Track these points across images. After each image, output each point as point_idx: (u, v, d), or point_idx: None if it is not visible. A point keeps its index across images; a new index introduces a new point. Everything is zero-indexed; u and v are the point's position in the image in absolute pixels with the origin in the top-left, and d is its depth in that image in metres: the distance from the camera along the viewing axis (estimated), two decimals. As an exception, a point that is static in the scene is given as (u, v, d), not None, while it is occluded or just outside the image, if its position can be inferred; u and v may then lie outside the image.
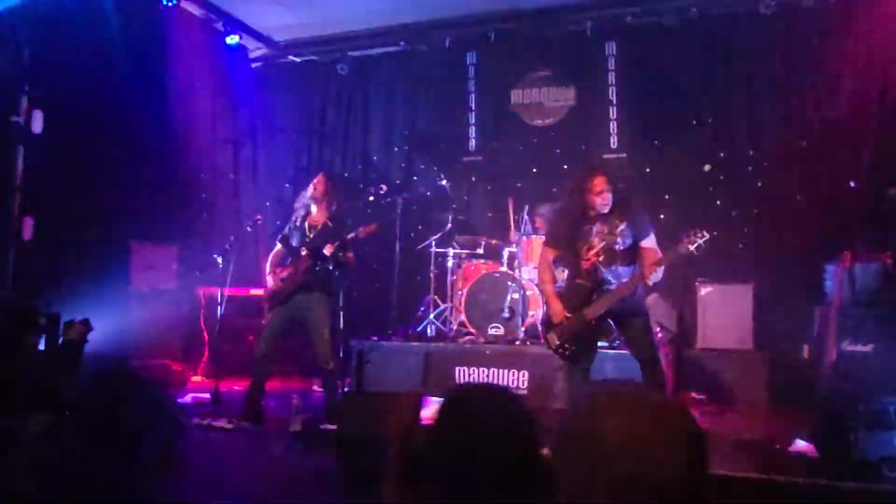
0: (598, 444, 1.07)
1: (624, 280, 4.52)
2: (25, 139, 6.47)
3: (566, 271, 5.01)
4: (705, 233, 4.34)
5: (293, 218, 5.95)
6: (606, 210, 4.55)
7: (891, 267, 5.71)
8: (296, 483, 4.14)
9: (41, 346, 5.34)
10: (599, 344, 4.92)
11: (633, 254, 4.57)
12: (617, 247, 4.53)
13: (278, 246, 5.93)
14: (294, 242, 5.82)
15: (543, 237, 5.15)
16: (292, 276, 5.68)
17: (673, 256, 4.48)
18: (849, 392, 4.53)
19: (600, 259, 4.52)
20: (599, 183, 4.52)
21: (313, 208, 5.83)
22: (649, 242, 4.56)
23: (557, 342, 4.61)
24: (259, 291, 8.31)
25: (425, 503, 1.63)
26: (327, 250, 5.55)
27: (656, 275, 4.45)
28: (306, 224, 5.84)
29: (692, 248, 4.34)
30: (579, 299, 4.58)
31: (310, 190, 5.84)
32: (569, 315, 4.55)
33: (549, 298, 4.75)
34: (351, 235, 5.65)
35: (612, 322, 4.65)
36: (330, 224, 5.82)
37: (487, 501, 1.50)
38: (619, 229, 4.52)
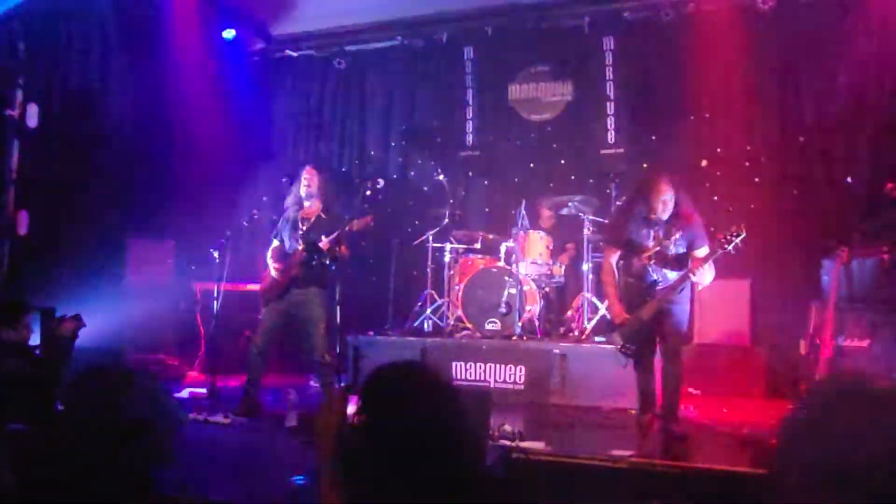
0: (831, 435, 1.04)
1: (672, 282, 4.72)
2: (20, 133, 6.45)
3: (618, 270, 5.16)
4: (742, 230, 4.49)
5: (285, 213, 5.94)
6: (666, 217, 4.71)
7: (888, 263, 5.72)
8: (291, 477, 4.13)
9: (37, 341, 5.35)
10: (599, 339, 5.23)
11: (684, 260, 4.76)
12: (669, 252, 4.73)
13: (275, 242, 5.92)
14: (287, 237, 5.81)
15: (604, 241, 5.30)
16: (287, 270, 5.67)
17: (711, 258, 4.60)
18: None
19: (652, 262, 4.74)
20: (664, 189, 4.67)
21: (306, 203, 5.81)
22: (701, 253, 4.71)
23: (621, 342, 4.83)
24: (255, 287, 8.32)
25: (361, 502, 1.58)
26: (323, 244, 5.54)
27: (702, 276, 4.60)
28: (299, 217, 5.83)
29: (729, 247, 4.50)
30: (632, 299, 4.83)
31: (303, 188, 5.81)
32: (627, 317, 4.77)
33: (611, 300, 4.98)
34: (346, 228, 5.63)
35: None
36: (323, 216, 5.81)
37: (423, 486, 1.47)
38: (674, 237, 4.71)
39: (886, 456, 1.00)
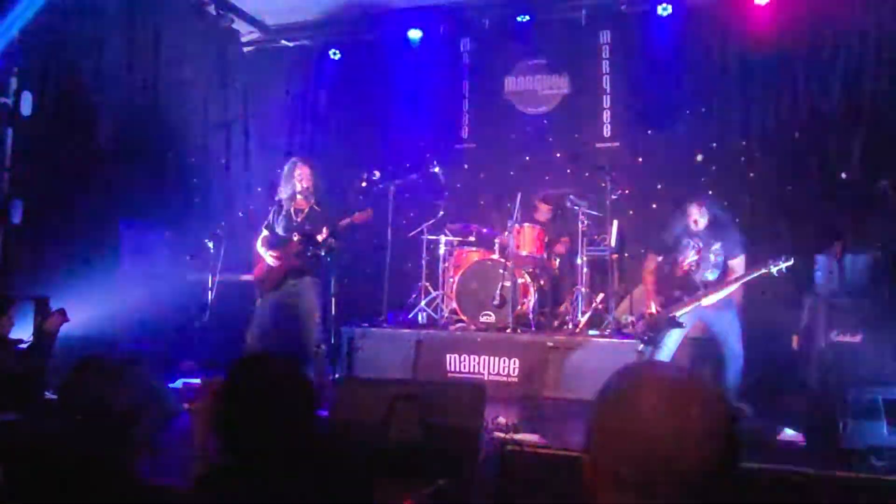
0: (635, 413, 1.07)
1: (708, 290, 5.17)
2: (14, 121, 6.41)
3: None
4: (792, 259, 4.85)
5: (277, 204, 5.96)
6: (705, 228, 5.20)
7: (881, 258, 5.75)
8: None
9: (30, 332, 5.34)
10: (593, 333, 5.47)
11: (723, 269, 5.23)
12: (709, 262, 5.18)
13: (265, 232, 5.94)
14: (281, 229, 5.81)
15: (649, 245, 5.84)
16: (284, 261, 5.67)
17: (753, 274, 5.02)
18: (837, 382, 4.57)
19: (692, 269, 5.20)
20: (692, 213, 5.20)
21: (298, 195, 5.83)
22: (737, 262, 5.18)
23: (642, 330, 5.38)
24: (250, 277, 8.30)
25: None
26: (321, 236, 5.55)
27: (729, 289, 5.07)
28: (292, 209, 5.85)
29: (774, 269, 4.89)
30: (667, 299, 5.32)
31: (295, 181, 5.83)
32: (658, 310, 5.28)
33: (648, 294, 5.50)
34: (346, 221, 5.64)
35: (698, 319, 5.34)
36: (317, 208, 5.83)
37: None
38: (713, 247, 5.18)
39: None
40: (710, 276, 5.25)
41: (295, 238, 5.67)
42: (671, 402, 1.07)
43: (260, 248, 5.95)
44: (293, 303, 5.67)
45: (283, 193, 5.97)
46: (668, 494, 1.03)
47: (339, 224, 5.71)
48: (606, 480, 1.09)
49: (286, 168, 6.02)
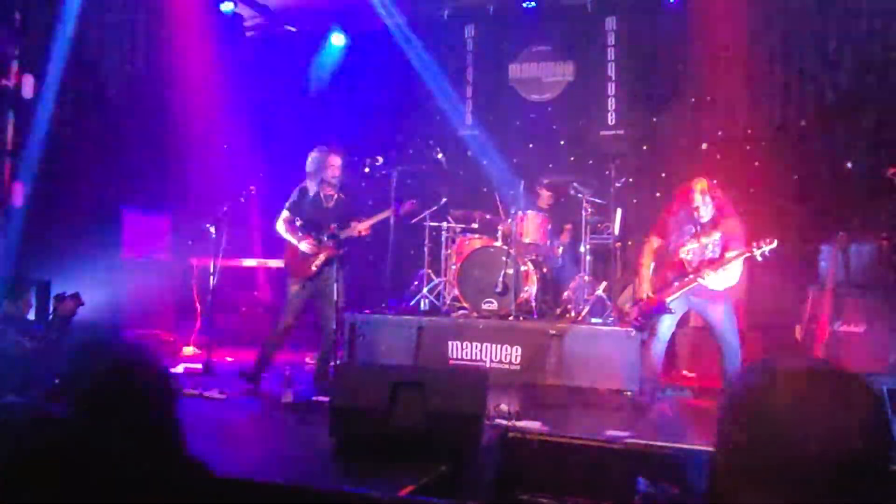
0: (779, 408, 1.03)
1: (696, 273, 5.01)
2: (16, 104, 6.38)
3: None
4: (775, 242, 4.78)
5: (302, 189, 5.93)
6: (708, 217, 5.07)
7: (886, 248, 5.72)
8: (287, 453, 4.14)
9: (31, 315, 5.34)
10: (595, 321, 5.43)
11: (719, 258, 5.06)
12: (706, 251, 5.05)
13: (287, 214, 5.89)
14: (315, 216, 5.84)
15: (652, 228, 5.56)
16: (326, 250, 5.73)
17: (736, 258, 4.89)
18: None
19: (689, 258, 5.07)
20: (695, 199, 5.05)
21: (328, 184, 5.86)
22: (733, 255, 4.98)
23: (634, 315, 5.34)
24: (252, 262, 8.29)
25: None
26: (364, 227, 5.79)
27: (719, 283, 4.92)
28: (321, 195, 5.88)
29: (757, 253, 4.80)
30: (661, 284, 5.19)
31: (329, 172, 5.83)
32: (651, 296, 5.17)
33: (642, 279, 5.35)
34: (386, 213, 5.95)
35: (687, 307, 5.26)
36: (342, 196, 5.90)
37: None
38: (712, 238, 5.04)
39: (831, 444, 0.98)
40: (706, 265, 5.11)
41: (333, 228, 5.73)
42: (819, 395, 1.02)
43: (285, 232, 5.86)
44: (327, 290, 5.73)
45: (311, 179, 5.92)
46: (820, 494, 0.98)
47: (377, 216, 5.90)
48: (750, 480, 1.04)
49: (318, 154, 5.94)
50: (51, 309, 5.25)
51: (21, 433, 1.77)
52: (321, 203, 5.85)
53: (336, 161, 5.87)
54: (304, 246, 5.76)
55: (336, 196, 5.91)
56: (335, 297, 5.65)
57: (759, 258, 4.81)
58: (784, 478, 1.00)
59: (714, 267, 4.90)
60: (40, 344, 4.82)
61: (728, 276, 4.92)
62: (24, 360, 4.58)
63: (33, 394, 4.00)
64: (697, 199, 5.03)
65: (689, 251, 5.08)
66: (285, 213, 5.90)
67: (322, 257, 5.77)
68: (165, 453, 1.76)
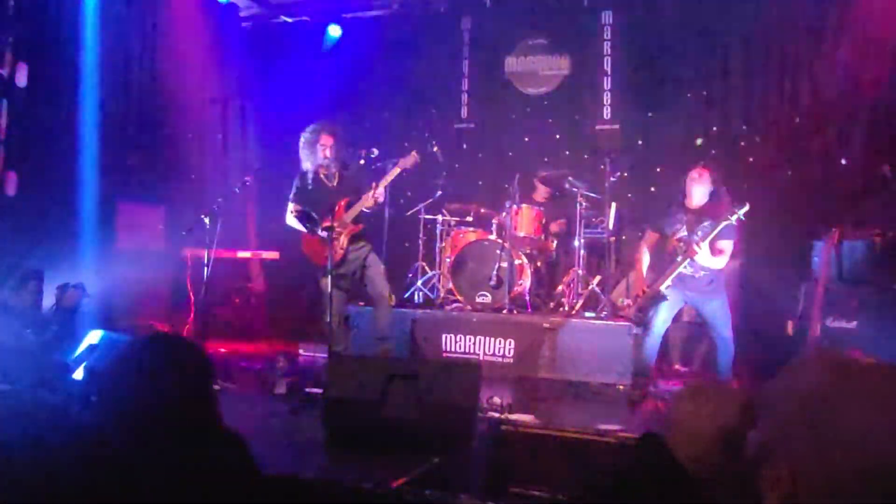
0: (840, 413, 0.93)
1: (697, 267, 5.00)
2: (9, 92, 6.35)
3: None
4: (747, 205, 4.82)
5: (302, 175, 5.82)
6: (700, 206, 5.06)
7: (879, 245, 5.74)
8: (280, 443, 4.15)
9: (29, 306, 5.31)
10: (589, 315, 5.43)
11: (709, 248, 5.02)
12: (695, 237, 4.99)
13: (293, 205, 5.75)
14: (322, 197, 5.64)
15: (649, 223, 5.55)
16: (342, 229, 5.58)
17: (718, 228, 4.87)
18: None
19: (680, 245, 5.04)
20: (687, 187, 5.05)
21: (325, 164, 5.71)
22: (725, 244, 4.98)
23: (633, 310, 5.28)
24: (246, 254, 8.27)
25: None
26: (379, 194, 5.56)
27: (710, 260, 4.91)
28: (322, 175, 5.75)
29: (733, 219, 4.83)
30: (657, 276, 5.18)
31: (321, 153, 5.68)
32: (645, 290, 5.18)
33: (638, 274, 5.38)
34: (394, 172, 5.73)
35: (683, 302, 5.26)
36: (346, 172, 5.79)
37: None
38: (702, 224, 5.00)
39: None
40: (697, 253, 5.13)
41: (342, 203, 5.58)
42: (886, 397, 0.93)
43: (297, 224, 5.68)
44: (359, 271, 5.68)
45: (306, 161, 5.77)
46: None
47: (387, 177, 5.67)
48: (812, 493, 0.93)
49: (308, 135, 5.78)
50: (54, 300, 5.22)
51: (11, 420, 1.77)
52: (324, 183, 5.72)
53: (328, 140, 5.71)
54: (321, 231, 5.46)
55: (338, 173, 5.78)
56: (381, 290, 5.64)
57: (735, 223, 4.84)
58: (867, 489, 0.90)
59: (701, 240, 4.89)
60: (45, 336, 4.80)
61: (719, 258, 4.95)
62: (31, 353, 4.56)
63: (52, 387, 3.97)
64: (690, 187, 5.05)
65: (679, 238, 5.09)
66: (291, 206, 5.77)
67: (344, 238, 5.61)
68: (203, 423, 1.75)
